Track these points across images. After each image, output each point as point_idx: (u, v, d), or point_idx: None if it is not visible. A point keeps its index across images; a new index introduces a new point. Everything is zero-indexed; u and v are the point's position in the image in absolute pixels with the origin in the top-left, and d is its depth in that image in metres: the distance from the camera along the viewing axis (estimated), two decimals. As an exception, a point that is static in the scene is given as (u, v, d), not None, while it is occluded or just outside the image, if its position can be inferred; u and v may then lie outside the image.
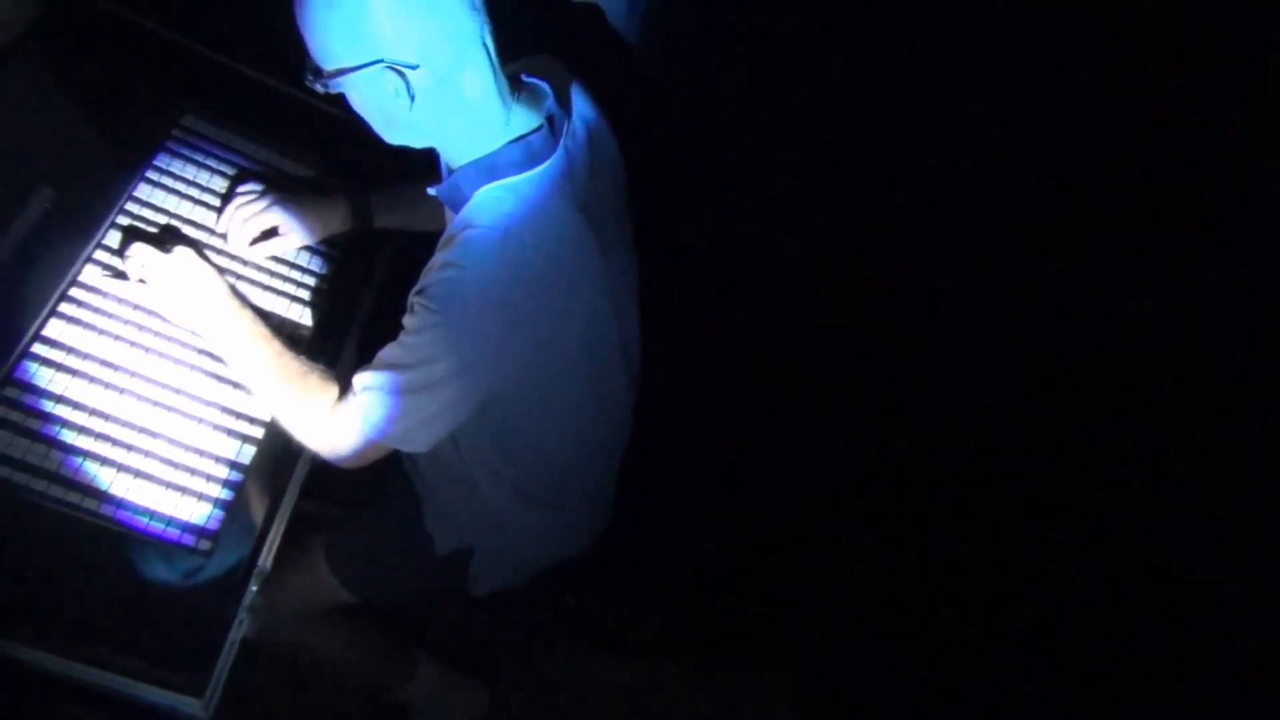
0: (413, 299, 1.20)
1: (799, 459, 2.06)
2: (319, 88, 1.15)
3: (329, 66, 1.13)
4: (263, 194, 1.47)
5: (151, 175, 1.45)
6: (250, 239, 1.45)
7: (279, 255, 1.49)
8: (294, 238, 1.48)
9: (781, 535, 2.11)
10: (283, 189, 1.49)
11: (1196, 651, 1.45)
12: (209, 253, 1.41)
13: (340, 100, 1.19)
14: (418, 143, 1.23)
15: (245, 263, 1.46)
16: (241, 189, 1.48)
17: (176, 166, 1.48)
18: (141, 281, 1.32)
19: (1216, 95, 1.38)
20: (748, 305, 2.01)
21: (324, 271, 1.51)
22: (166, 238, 1.37)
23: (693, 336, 2.03)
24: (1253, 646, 1.38)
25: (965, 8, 1.59)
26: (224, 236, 1.45)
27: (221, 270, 1.36)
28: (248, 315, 1.32)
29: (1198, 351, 1.46)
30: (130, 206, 1.40)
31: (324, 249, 1.54)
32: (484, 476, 1.42)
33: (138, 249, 1.32)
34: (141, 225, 1.40)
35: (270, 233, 1.47)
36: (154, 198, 1.43)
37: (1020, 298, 1.69)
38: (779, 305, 1.98)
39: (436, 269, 1.18)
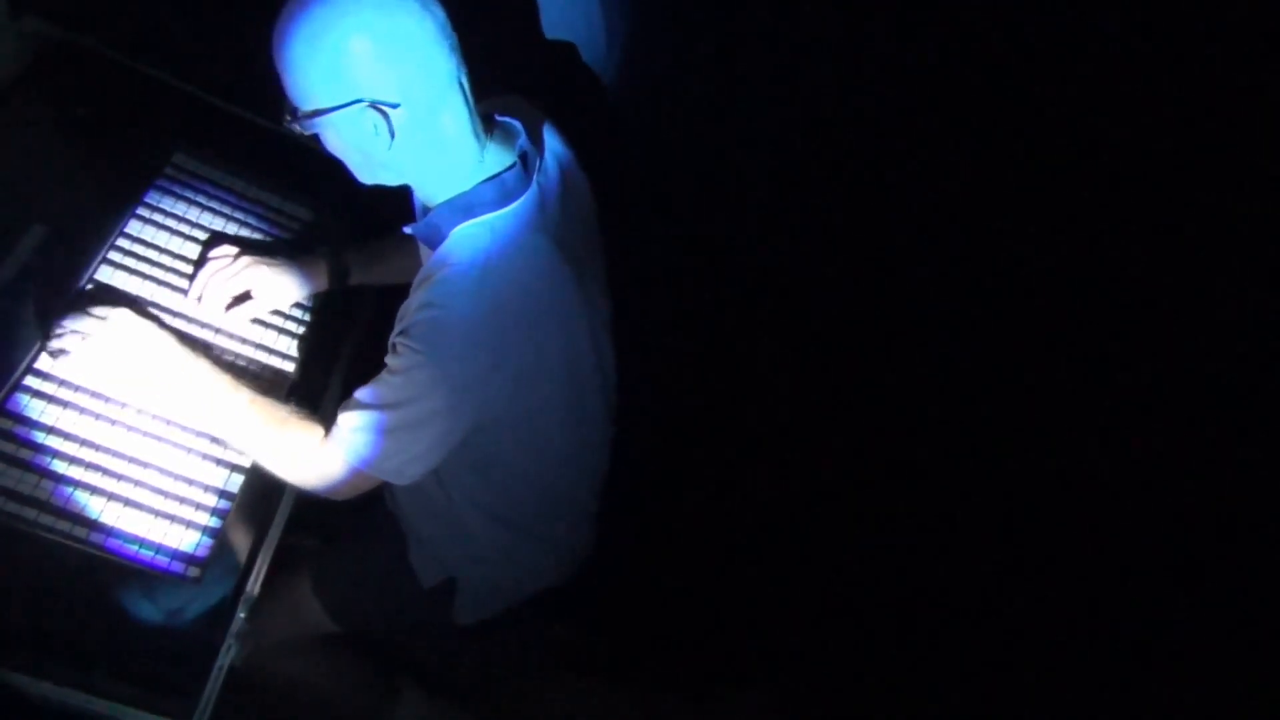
0: (395, 339, 1.22)
1: (785, 480, 2.07)
2: (296, 128, 1.17)
3: (307, 107, 1.15)
4: (235, 258, 1.45)
5: (143, 212, 1.49)
6: (224, 304, 1.43)
7: (256, 317, 1.47)
8: (268, 301, 1.46)
9: (770, 557, 2.11)
10: (256, 251, 1.48)
11: (1193, 655, 1.45)
12: (158, 307, 1.39)
13: (316, 141, 1.21)
14: (393, 180, 1.25)
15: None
16: (213, 253, 1.46)
17: (167, 204, 1.52)
18: (83, 357, 1.24)
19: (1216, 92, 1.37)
20: (728, 326, 2.02)
21: (309, 306, 1.54)
22: (100, 302, 1.29)
23: (675, 359, 2.05)
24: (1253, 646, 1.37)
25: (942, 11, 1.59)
26: (197, 301, 1.43)
27: (164, 324, 1.32)
28: (205, 367, 1.28)
29: (1192, 349, 1.45)
30: (122, 243, 1.43)
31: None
32: (464, 504, 1.44)
33: (70, 322, 1.25)
34: (73, 295, 1.33)
35: (244, 296, 1.45)
36: (145, 234, 1.46)
37: (1003, 299, 1.68)
38: (760, 325, 1.99)
39: (417, 309, 1.20)
